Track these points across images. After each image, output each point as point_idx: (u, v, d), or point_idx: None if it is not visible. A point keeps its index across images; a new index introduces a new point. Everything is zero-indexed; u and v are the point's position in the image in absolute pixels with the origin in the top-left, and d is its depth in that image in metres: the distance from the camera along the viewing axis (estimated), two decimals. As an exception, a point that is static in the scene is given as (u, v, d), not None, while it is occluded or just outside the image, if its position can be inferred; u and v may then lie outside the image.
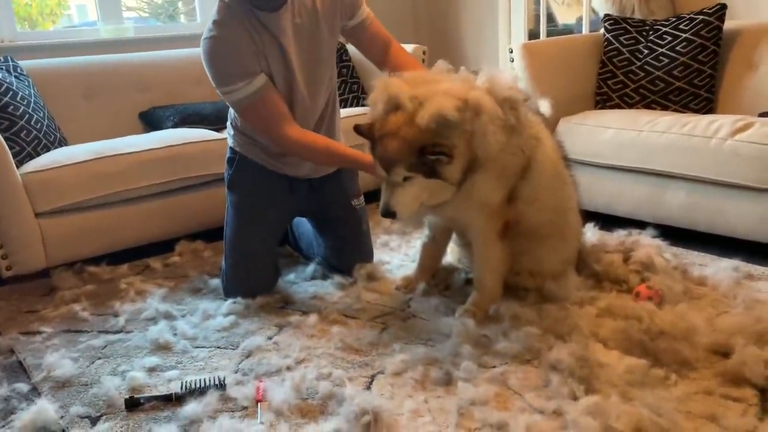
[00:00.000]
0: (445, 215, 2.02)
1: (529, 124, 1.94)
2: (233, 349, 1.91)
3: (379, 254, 2.59)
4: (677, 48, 2.87)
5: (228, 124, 2.33)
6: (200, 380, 1.70)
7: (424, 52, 3.44)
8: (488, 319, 1.96)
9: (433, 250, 2.26)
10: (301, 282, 2.38)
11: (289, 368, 1.78)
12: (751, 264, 2.28)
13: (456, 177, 1.81)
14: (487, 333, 1.87)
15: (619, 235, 2.44)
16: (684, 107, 2.86)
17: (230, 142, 2.32)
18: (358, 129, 1.90)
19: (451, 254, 2.38)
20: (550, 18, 4.41)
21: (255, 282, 2.25)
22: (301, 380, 1.67)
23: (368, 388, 1.67)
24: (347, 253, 2.39)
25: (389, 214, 1.83)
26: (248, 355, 1.87)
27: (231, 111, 2.26)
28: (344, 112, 3.22)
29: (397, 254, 2.63)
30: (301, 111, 2.16)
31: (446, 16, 4.46)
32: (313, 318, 2.06)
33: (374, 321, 2.03)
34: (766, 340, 1.66)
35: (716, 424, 1.44)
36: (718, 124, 2.41)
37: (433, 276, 2.29)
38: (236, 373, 1.78)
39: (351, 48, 3.67)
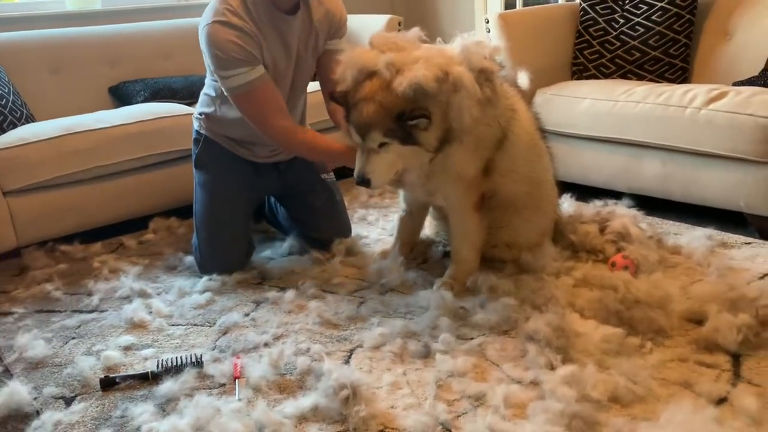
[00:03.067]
0: (422, 188, 2.01)
1: (504, 95, 1.92)
2: (210, 327, 1.90)
3: (356, 229, 2.57)
4: (653, 17, 2.86)
5: (198, 106, 2.30)
6: (177, 358, 1.68)
7: (399, 23, 3.39)
8: (466, 291, 1.96)
9: (410, 224, 2.25)
10: (278, 258, 2.36)
11: (266, 344, 1.77)
12: (725, 232, 2.31)
13: (432, 144, 1.80)
14: (465, 305, 1.88)
15: (595, 206, 2.45)
16: (660, 77, 2.86)
17: (196, 125, 2.30)
18: (332, 96, 1.89)
19: (429, 228, 2.38)
20: (527, -13, 4.37)
21: (228, 257, 2.23)
22: (278, 356, 1.66)
23: (347, 362, 1.67)
24: (324, 222, 2.37)
25: (364, 181, 1.83)
26: (225, 332, 1.86)
27: (204, 95, 2.25)
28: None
29: (375, 228, 2.62)
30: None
31: (422, -13, 4.40)
32: (290, 293, 2.04)
33: (352, 295, 2.02)
34: (738, 306, 1.68)
35: (690, 390, 1.46)
36: (693, 93, 2.41)
37: (411, 250, 2.28)
38: (213, 350, 1.76)
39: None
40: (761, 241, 2.25)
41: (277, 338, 1.80)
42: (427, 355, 1.66)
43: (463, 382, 1.52)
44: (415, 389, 1.52)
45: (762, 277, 1.98)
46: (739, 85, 2.52)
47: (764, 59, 2.58)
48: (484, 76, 1.81)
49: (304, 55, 2.18)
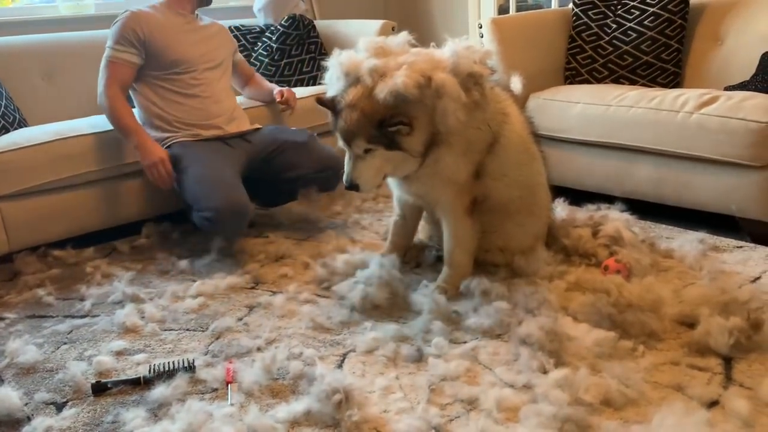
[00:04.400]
0: (414, 192, 2.02)
1: (495, 99, 1.93)
2: (202, 331, 1.89)
3: (350, 233, 2.58)
4: (645, 23, 2.88)
5: (147, 130, 2.55)
6: (169, 363, 1.68)
7: (393, 28, 3.40)
8: (459, 295, 1.96)
9: (403, 228, 2.25)
10: (271, 262, 2.35)
11: (259, 349, 1.76)
12: (717, 236, 2.32)
13: (417, 149, 1.82)
14: (458, 309, 1.88)
15: (588, 210, 2.46)
16: (652, 82, 2.87)
17: (160, 142, 2.53)
18: (320, 101, 1.93)
19: (422, 232, 2.38)
20: (520, -7, 4.38)
21: (233, 193, 2.34)
22: (271, 361, 1.66)
23: (340, 366, 1.66)
24: (305, 156, 2.60)
25: (352, 186, 1.87)
26: (218, 336, 1.86)
27: (140, 116, 2.60)
28: (313, 89, 3.20)
29: (369, 232, 2.62)
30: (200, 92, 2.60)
31: (416, -8, 4.41)
32: (282, 298, 2.05)
33: (345, 299, 2.02)
34: (730, 310, 1.69)
35: (682, 393, 1.46)
36: (685, 98, 2.43)
37: (405, 254, 2.28)
38: (206, 355, 1.76)
39: (320, 23, 3.62)
40: (753, 245, 2.26)
41: (269, 343, 1.80)
42: (420, 359, 1.66)
43: (455, 386, 1.52)
44: (408, 393, 1.52)
45: (754, 281, 1.99)
46: (730, 90, 2.54)
47: (755, 63, 2.59)
48: (473, 80, 1.81)
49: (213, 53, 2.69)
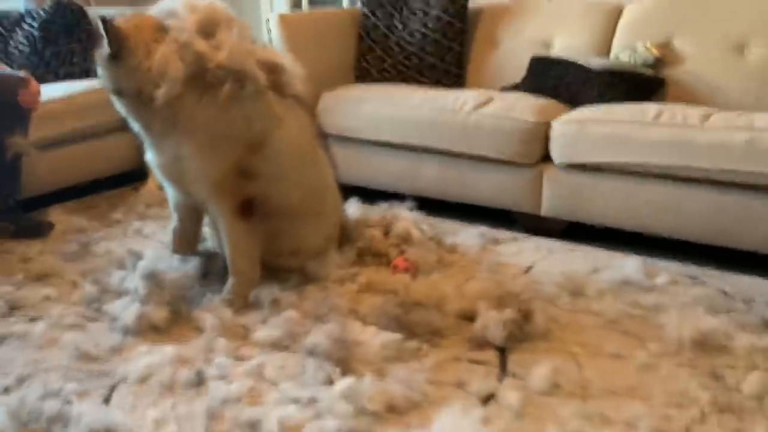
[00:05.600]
0: (175, 185, 1.94)
1: (266, 102, 1.85)
2: (-67, 375, 1.58)
3: (131, 243, 2.35)
4: (428, 25, 2.97)
5: None
6: None
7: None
8: (249, 307, 1.85)
9: (184, 234, 2.10)
10: (31, 282, 2.05)
11: (6, 390, 1.50)
12: (495, 229, 2.46)
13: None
14: (246, 322, 1.77)
15: (380, 209, 2.47)
16: (437, 83, 2.97)
17: None
18: None
19: (211, 239, 2.22)
20: (314, -11, 4.35)
21: None
22: (20, 403, 1.42)
23: (106, 401, 1.47)
24: None
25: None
26: (-46, 379, 1.56)
27: None
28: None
29: (152, 241, 2.40)
30: None
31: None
32: (43, 325, 1.78)
33: (117, 321, 1.80)
34: (504, 302, 1.77)
35: (463, 390, 1.50)
36: (463, 99, 2.54)
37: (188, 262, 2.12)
38: (-65, 405, 1.46)
39: (95, 11, 3.26)
40: (526, 236, 2.43)
41: (21, 381, 1.54)
42: (200, 382, 1.53)
43: (236, 409, 1.42)
44: (183, 424, 1.38)
45: (526, 271, 2.12)
46: (505, 91, 2.70)
47: (526, 66, 2.78)
48: (239, 75, 1.74)
49: None
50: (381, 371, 1.53)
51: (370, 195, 2.65)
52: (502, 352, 1.64)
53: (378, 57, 3.05)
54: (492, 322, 1.68)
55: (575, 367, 1.58)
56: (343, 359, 1.56)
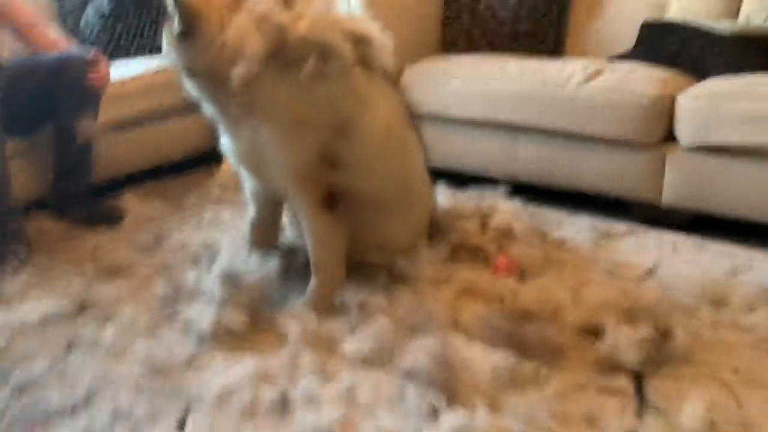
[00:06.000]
0: (252, 173, 1.77)
1: (353, 79, 1.62)
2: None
3: (208, 232, 2.19)
4: (523, -12, 2.66)
5: None
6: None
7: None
8: (333, 311, 1.65)
9: (262, 227, 1.91)
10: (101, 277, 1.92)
11: (74, 410, 1.35)
12: (608, 221, 2.16)
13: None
14: (332, 329, 1.57)
15: (472, 196, 2.21)
16: (532, 52, 2.66)
17: None
18: None
19: (290, 230, 2.03)
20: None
21: None
22: (87, 428, 1.26)
23: (181, 427, 1.30)
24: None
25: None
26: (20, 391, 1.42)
27: None
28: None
29: (228, 229, 2.22)
30: None
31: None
32: (113, 329, 1.63)
33: (192, 326, 1.63)
34: (635, 315, 1.49)
35: (595, 427, 1.25)
36: (570, 70, 2.23)
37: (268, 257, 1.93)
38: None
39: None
40: (644, 229, 2.12)
41: (89, 397, 1.39)
42: (284, 405, 1.33)
43: (328, 444, 1.22)
44: (268, 461, 1.19)
45: (650, 272, 1.83)
46: (614, 61, 2.38)
47: (635, 32, 2.45)
48: (324, 48, 1.54)
49: None
50: (494, 402, 1.29)
51: (460, 179, 2.39)
52: (638, 378, 1.37)
53: (466, 24, 2.76)
54: (624, 340, 1.41)
55: (731, 400, 1.30)
56: (448, 385, 1.33)
